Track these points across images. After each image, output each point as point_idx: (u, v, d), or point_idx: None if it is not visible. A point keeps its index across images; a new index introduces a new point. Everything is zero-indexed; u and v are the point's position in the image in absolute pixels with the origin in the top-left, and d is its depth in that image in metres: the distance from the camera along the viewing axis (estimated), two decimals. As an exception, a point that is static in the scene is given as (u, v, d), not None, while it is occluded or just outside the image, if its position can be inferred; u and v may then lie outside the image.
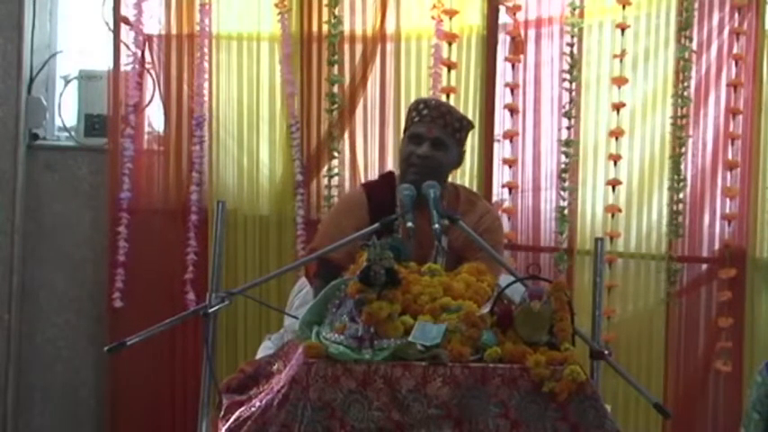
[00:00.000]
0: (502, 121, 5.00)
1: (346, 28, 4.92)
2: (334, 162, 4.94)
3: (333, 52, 4.90)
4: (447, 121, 3.61)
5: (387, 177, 3.82)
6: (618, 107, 4.97)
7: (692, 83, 4.98)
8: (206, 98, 4.92)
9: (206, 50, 4.89)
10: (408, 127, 3.65)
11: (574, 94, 4.94)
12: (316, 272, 3.63)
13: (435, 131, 3.58)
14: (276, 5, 4.89)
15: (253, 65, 4.98)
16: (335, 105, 4.91)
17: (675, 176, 4.95)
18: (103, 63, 4.98)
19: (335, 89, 4.91)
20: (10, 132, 4.89)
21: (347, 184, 4.91)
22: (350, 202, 3.76)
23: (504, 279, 3.32)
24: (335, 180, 4.93)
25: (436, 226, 3.18)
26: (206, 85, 4.91)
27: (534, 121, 5.01)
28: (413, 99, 4.74)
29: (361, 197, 3.70)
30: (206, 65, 4.89)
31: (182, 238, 4.87)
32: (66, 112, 5.11)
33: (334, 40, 4.89)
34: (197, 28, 4.88)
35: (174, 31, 4.92)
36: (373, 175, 4.86)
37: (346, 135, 4.94)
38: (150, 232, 4.89)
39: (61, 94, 5.11)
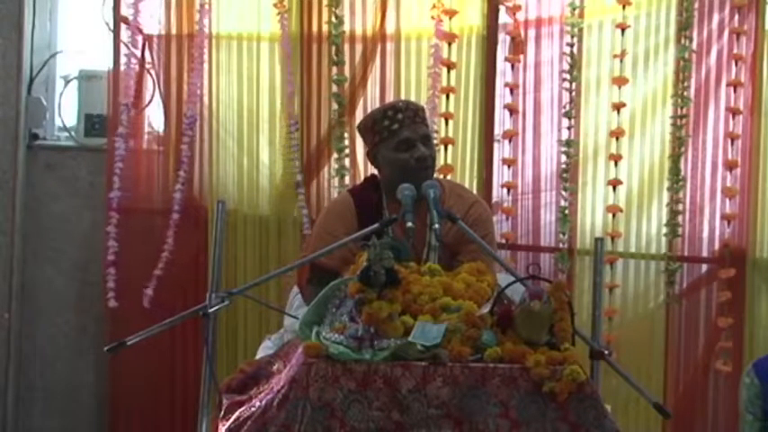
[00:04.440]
0: (502, 121, 4.99)
1: (346, 28, 4.92)
2: (335, 162, 4.94)
3: (336, 52, 4.90)
4: (420, 116, 3.66)
5: (370, 181, 3.82)
6: (618, 107, 4.96)
7: (693, 83, 4.97)
8: (206, 98, 4.92)
9: (205, 50, 4.88)
10: (385, 138, 3.61)
11: (574, 94, 4.94)
12: (308, 278, 3.65)
13: (420, 130, 3.62)
14: (275, 6, 4.89)
15: (253, 65, 4.98)
16: (338, 105, 4.91)
17: (675, 176, 4.95)
18: (103, 63, 4.98)
19: (336, 89, 4.91)
20: (10, 132, 4.90)
21: (348, 183, 4.90)
22: (339, 208, 3.75)
23: (503, 277, 3.32)
24: (336, 180, 4.93)
25: (437, 226, 3.19)
26: (206, 84, 4.92)
27: (534, 122, 5.00)
28: (413, 99, 4.76)
29: (349, 202, 3.70)
30: (205, 65, 4.88)
31: (182, 238, 4.87)
32: (66, 112, 5.11)
33: (337, 40, 4.89)
34: (196, 28, 4.88)
35: (173, 31, 4.93)
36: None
37: (346, 135, 4.94)
38: (149, 232, 4.89)
39: (61, 94, 5.11)
